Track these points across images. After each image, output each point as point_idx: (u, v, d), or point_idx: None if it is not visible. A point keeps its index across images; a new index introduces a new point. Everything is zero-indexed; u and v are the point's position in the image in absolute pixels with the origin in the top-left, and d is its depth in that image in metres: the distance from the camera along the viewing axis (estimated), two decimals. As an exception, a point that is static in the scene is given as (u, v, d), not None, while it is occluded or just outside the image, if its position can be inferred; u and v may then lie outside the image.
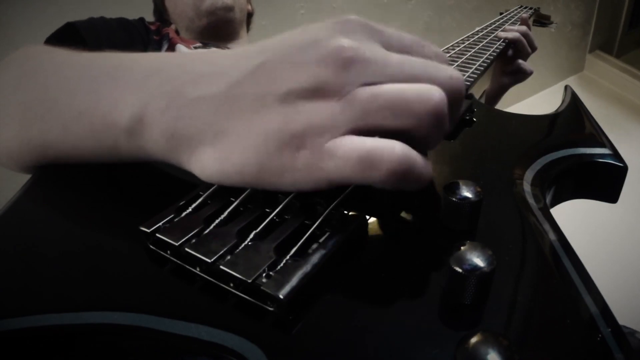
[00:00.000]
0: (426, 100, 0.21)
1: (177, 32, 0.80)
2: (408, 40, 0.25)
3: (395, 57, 0.23)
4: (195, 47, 0.71)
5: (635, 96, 2.06)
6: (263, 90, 0.22)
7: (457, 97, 0.24)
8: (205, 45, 0.73)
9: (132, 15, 0.74)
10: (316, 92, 0.22)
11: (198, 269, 0.23)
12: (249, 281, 0.21)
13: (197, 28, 0.75)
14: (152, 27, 0.73)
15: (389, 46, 0.24)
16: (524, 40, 0.72)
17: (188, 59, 0.27)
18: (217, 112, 0.23)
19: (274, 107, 0.22)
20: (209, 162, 0.23)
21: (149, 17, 0.80)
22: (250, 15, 0.89)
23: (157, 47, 0.70)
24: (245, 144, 0.22)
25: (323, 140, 0.21)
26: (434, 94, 0.22)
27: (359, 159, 0.21)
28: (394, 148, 0.21)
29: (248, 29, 0.88)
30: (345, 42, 0.22)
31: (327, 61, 0.22)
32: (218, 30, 0.76)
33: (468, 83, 0.47)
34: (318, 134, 0.21)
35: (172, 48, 0.70)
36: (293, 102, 0.22)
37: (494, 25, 0.75)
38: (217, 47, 0.74)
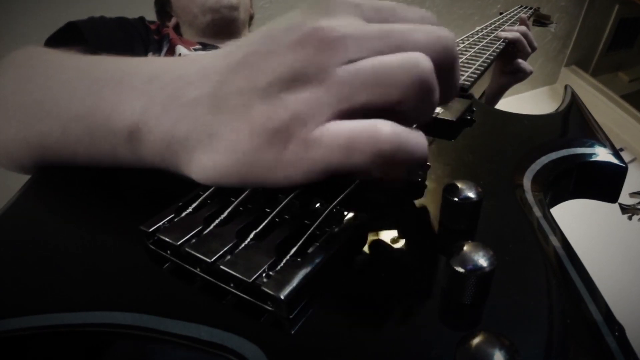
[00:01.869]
0: (409, 68, 0.20)
1: (177, 27, 0.80)
2: (389, 7, 0.24)
3: (374, 28, 0.21)
4: (195, 49, 0.71)
5: (605, 116, 2.06)
6: (245, 86, 0.22)
7: (448, 57, 0.22)
8: (204, 46, 0.73)
9: (131, 14, 0.74)
10: (296, 80, 0.21)
11: (198, 269, 0.23)
12: (249, 281, 0.21)
13: (200, 24, 0.75)
14: (152, 27, 0.73)
15: (370, 18, 0.23)
16: (524, 40, 0.72)
17: (182, 62, 0.26)
18: (208, 114, 0.22)
19: (258, 103, 0.21)
20: (205, 165, 0.23)
21: (149, 17, 0.81)
22: (251, 17, 0.89)
23: (157, 47, 0.70)
24: (235, 144, 0.22)
25: (308, 129, 0.21)
26: (418, 60, 0.20)
27: (343, 145, 0.20)
28: (378, 127, 0.20)
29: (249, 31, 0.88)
30: (319, 22, 0.21)
31: (303, 45, 0.21)
32: (221, 29, 0.76)
33: (468, 83, 0.47)
34: (301, 124, 0.21)
35: (172, 49, 0.70)
36: (275, 94, 0.21)
37: (493, 25, 0.75)
38: (217, 47, 0.74)
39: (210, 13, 0.73)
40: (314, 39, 0.21)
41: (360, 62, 0.21)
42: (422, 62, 0.21)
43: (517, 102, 1.97)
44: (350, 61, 0.21)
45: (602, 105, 2.10)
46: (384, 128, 0.20)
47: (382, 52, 0.21)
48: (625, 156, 1.88)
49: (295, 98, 0.21)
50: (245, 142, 0.22)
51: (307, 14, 0.22)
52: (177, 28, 0.83)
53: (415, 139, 0.21)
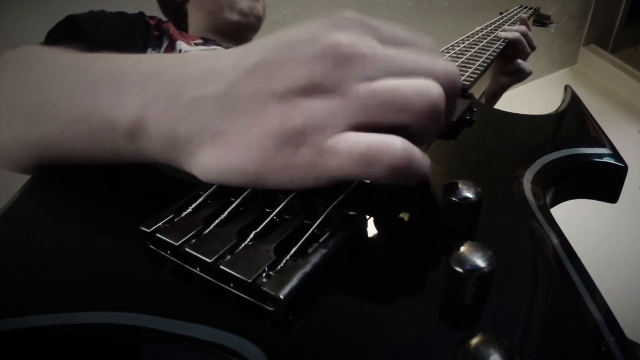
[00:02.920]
0: (424, 95, 0.22)
1: (182, 16, 0.80)
2: (403, 35, 0.25)
3: (391, 52, 0.23)
4: (196, 44, 0.71)
5: (628, 93, 2.04)
6: (261, 89, 0.22)
7: (453, 90, 0.24)
8: (205, 42, 0.73)
9: (131, 9, 0.74)
10: (314, 89, 0.22)
11: (198, 268, 0.23)
12: (249, 281, 0.21)
13: (221, 19, 0.75)
14: (152, 22, 0.73)
15: (385, 41, 0.24)
16: (524, 40, 0.72)
17: (187, 59, 0.26)
18: (216, 113, 0.23)
19: (273, 106, 0.22)
20: (209, 163, 0.23)
21: (148, 12, 0.80)
22: None
23: (157, 43, 0.70)
24: (245, 143, 0.22)
25: (323, 137, 0.21)
26: (432, 89, 0.22)
27: (361, 155, 0.21)
28: (395, 143, 0.21)
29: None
30: (341, 38, 0.22)
31: (325, 57, 0.22)
32: (238, 32, 0.76)
33: (468, 83, 0.47)
34: (318, 131, 0.21)
35: (172, 44, 0.70)
36: (291, 99, 0.22)
37: (493, 26, 0.75)
38: (219, 45, 0.74)
39: (239, 15, 0.74)
40: (336, 53, 0.22)
41: (379, 82, 0.22)
42: (435, 90, 0.22)
43: (538, 86, 1.95)
44: (367, 79, 0.22)
45: (623, 82, 2.07)
46: (399, 143, 0.21)
47: (395, 75, 0.22)
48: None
49: (312, 105, 0.22)
50: (255, 142, 0.22)
51: (327, 26, 0.23)
52: (177, 14, 0.82)
53: (423, 159, 0.22)
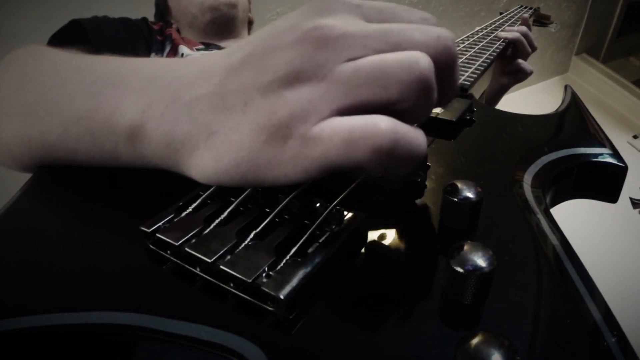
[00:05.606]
0: (410, 67, 0.20)
1: (178, 31, 0.81)
2: (389, 7, 0.24)
3: (375, 27, 0.22)
4: (198, 49, 0.72)
5: (618, 103, 2.05)
6: (246, 85, 0.22)
7: (448, 57, 0.22)
8: (207, 46, 0.73)
9: (134, 15, 0.74)
10: (296, 77, 0.21)
11: (198, 268, 0.23)
12: (249, 281, 0.21)
13: (200, 24, 0.75)
14: (155, 27, 0.73)
15: (370, 18, 0.23)
16: (524, 40, 0.72)
17: (184, 63, 0.26)
18: (209, 113, 0.23)
19: (258, 101, 0.21)
20: (206, 164, 0.23)
21: (151, 18, 0.81)
22: (250, 23, 0.89)
23: (160, 48, 0.70)
24: (236, 142, 0.22)
25: (307, 126, 0.21)
26: (419, 59, 0.20)
27: (343, 140, 0.20)
28: (377, 122, 0.20)
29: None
30: (320, 21, 0.21)
31: (303, 43, 0.21)
32: (220, 27, 0.76)
33: (468, 83, 0.47)
34: (302, 121, 0.21)
35: (174, 49, 0.70)
36: (276, 92, 0.21)
37: (494, 25, 0.75)
38: (219, 47, 0.74)
39: (210, 12, 0.74)
40: (314, 37, 0.21)
41: (361, 60, 0.21)
42: (422, 61, 0.20)
43: (529, 94, 1.95)
44: (350, 59, 0.21)
45: (614, 93, 2.08)
46: (383, 123, 0.20)
47: (381, 51, 0.21)
48: (639, 143, 1.87)
49: (296, 95, 0.21)
50: (246, 140, 0.22)
51: (307, 13, 0.22)
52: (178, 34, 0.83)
53: (414, 135, 0.21)
